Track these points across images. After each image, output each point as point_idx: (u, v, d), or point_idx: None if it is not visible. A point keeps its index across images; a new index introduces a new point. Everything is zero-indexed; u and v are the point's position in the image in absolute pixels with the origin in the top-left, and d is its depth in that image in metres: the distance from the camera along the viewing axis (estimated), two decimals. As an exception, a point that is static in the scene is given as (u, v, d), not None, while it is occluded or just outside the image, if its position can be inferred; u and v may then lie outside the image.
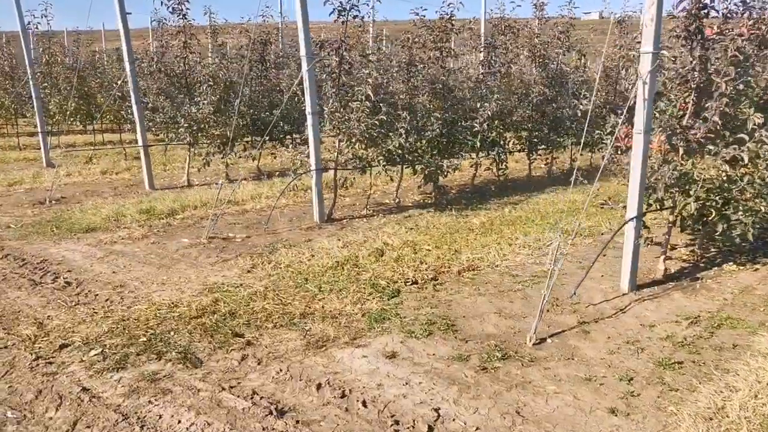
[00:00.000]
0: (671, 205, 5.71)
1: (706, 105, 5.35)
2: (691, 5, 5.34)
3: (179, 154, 13.72)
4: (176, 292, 5.28)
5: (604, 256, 6.40)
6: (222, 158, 11.04)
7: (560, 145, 10.45)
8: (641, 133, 4.98)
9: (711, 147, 5.30)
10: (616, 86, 11.19)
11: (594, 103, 10.31)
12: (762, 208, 5.46)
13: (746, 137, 5.27)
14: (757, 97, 5.38)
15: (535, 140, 10.51)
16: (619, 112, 5.87)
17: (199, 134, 10.49)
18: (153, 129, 11.71)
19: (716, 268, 6.07)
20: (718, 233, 5.77)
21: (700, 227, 6.12)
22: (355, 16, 7.50)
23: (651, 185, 5.36)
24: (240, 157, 11.33)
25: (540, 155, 10.82)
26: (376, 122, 7.47)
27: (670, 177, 5.18)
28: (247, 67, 11.31)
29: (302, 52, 7.29)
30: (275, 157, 12.31)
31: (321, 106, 7.70)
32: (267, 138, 11.34)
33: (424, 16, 8.53)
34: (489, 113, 8.73)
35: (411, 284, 5.46)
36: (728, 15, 5.37)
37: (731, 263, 6.18)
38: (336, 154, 7.93)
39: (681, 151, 5.56)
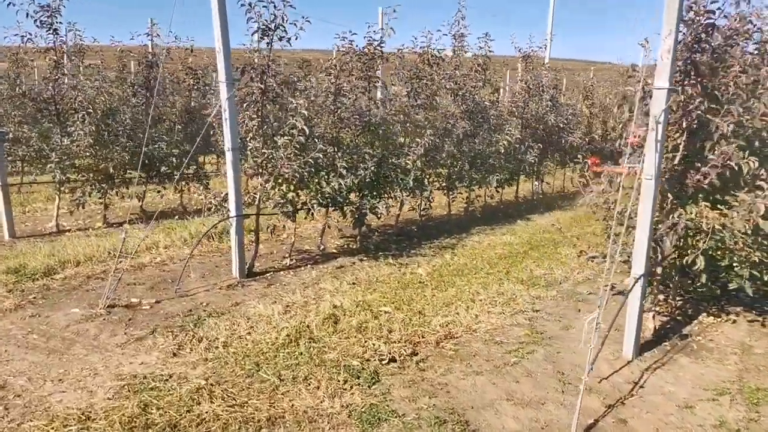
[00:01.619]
0: (674, 257, 5.16)
1: (702, 146, 4.90)
2: (687, 38, 4.89)
3: (41, 192, 11.64)
4: (83, 393, 3.88)
5: (579, 311, 5.78)
6: (100, 198, 9.39)
7: (483, 181, 9.90)
8: (652, 178, 4.37)
9: (717, 195, 4.83)
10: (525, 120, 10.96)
11: (514, 137, 9.95)
12: (756, 258, 5.06)
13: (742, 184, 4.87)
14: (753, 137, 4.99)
15: (454, 177, 9.89)
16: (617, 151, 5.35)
17: (72, 170, 8.80)
18: (13, 164, 9.75)
19: (695, 321, 5.64)
20: (699, 285, 5.33)
21: (676, 278, 5.66)
22: (281, 38, 6.43)
23: (659, 236, 4.76)
24: (123, 197, 9.67)
25: (460, 193, 10.21)
26: (310, 160, 6.41)
27: (682, 228, 4.62)
28: (130, 92, 9.77)
29: (221, 77, 6.10)
30: (162, 196, 10.73)
31: (243, 141, 6.52)
32: (154, 174, 9.84)
33: (353, 42, 7.64)
34: (422, 150, 7.96)
35: (388, 363, 4.45)
36: (719, 51, 4.96)
37: (704, 314, 5.80)
38: (257, 196, 6.74)
39: (670, 196, 5.06)
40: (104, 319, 5.17)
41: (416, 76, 8.80)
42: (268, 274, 6.78)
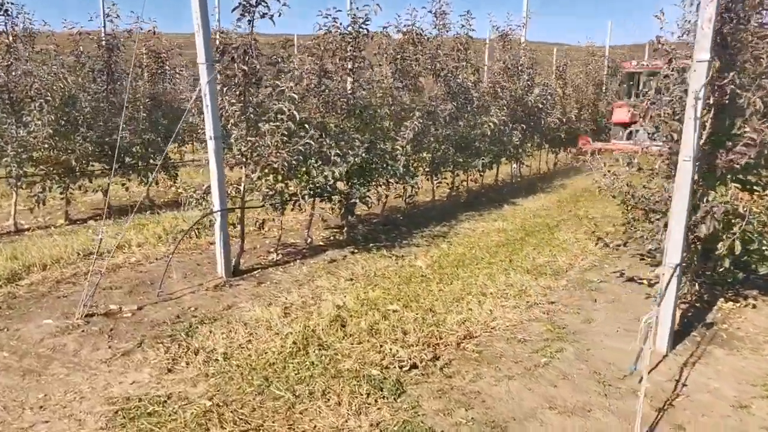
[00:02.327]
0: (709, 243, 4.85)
1: (732, 124, 4.59)
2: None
3: (-7, 188, 10.77)
4: (70, 423, 3.35)
5: (595, 301, 5.47)
6: (61, 193, 8.69)
7: (468, 165, 9.52)
8: (690, 160, 4.03)
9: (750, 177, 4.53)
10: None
11: (500, 119, 9.59)
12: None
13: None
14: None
15: (438, 161, 9.48)
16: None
17: (30, 163, 8.08)
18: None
19: (714, 307, 5.38)
20: (722, 269, 5.07)
21: (696, 263, 5.38)
22: (263, 15, 5.89)
23: (695, 222, 4.43)
24: (86, 190, 8.96)
25: (445, 178, 9.81)
26: (299, 148, 5.90)
27: (721, 212, 4.31)
28: (90, 78, 9.05)
29: (200, 58, 5.53)
30: (127, 189, 10.03)
31: (226, 129, 5.97)
32: (118, 165, 9.15)
33: (337, 19, 7.11)
34: (411, 134, 7.52)
35: (409, 369, 4.04)
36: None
37: (721, 299, 5.55)
38: (241, 188, 6.22)
39: (698, 178, 4.75)
40: (83, 331, 4.60)
41: (401, 57, 8.33)
42: (255, 272, 6.27)
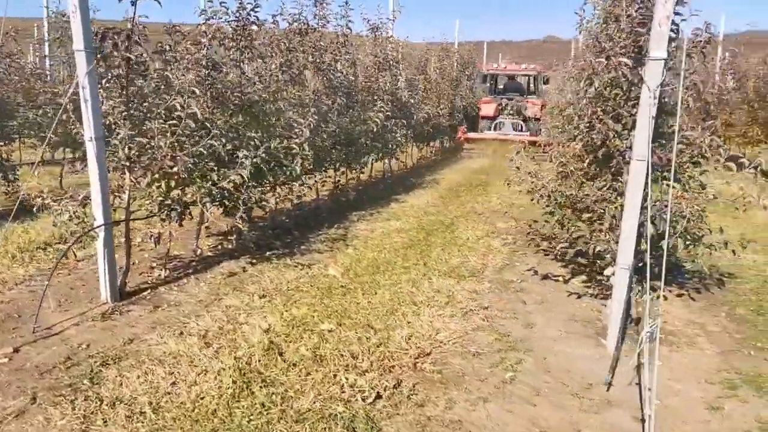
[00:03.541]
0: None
1: (664, 121, 4.64)
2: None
3: None
4: None
5: (525, 303, 5.36)
6: None
7: (357, 162, 9.14)
8: (644, 160, 3.98)
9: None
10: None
11: (386, 114, 9.32)
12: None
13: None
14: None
15: (323, 159, 8.98)
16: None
17: None
18: None
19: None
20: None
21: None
22: (148, -6, 5.05)
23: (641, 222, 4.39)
24: None
25: (329, 176, 9.34)
26: (202, 150, 5.15)
27: (673, 212, 4.31)
28: None
29: (77, 44, 4.59)
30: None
31: (109, 131, 5.06)
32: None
33: (224, 2, 6.33)
34: (308, 132, 6.96)
35: (374, 400, 3.58)
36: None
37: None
38: (125, 196, 5.32)
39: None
40: (-55, 390, 3.59)
41: (287, 48, 7.71)
42: (145, 293, 5.41)
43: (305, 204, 9.35)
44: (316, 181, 8.77)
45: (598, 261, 5.25)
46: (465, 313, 5.02)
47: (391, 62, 11.67)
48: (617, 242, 4.43)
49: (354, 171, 10.14)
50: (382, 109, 9.31)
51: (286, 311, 4.87)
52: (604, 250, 4.51)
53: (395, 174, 13.56)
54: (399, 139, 10.50)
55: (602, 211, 4.63)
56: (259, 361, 3.96)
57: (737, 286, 5.96)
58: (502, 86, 20.71)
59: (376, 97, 10.37)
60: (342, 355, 4.07)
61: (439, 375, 3.94)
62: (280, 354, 4.09)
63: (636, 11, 4.51)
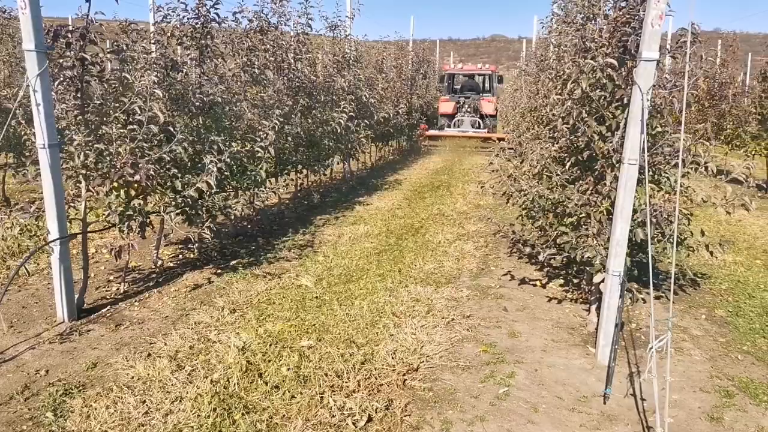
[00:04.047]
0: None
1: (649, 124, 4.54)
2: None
3: None
4: None
5: (506, 310, 5.21)
6: None
7: (320, 165, 8.86)
8: (636, 163, 3.87)
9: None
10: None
11: (349, 115, 9.09)
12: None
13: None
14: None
15: (285, 162, 8.69)
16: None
17: None
18: None
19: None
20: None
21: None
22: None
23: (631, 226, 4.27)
24: None
25: (292, 179, 9.03)
26: (165, 156, 4.81)
27: (666, 215, 4.21)
28: None
29: (27, 43, 4.21)
30: None
31: (62, 136, 4.67)
32: None
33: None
34: (273, 135, 6.67)
35: (365, 423, 3.36)
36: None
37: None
38: (82, 207, 4.93)
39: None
40: None
41: (248, 47, 7.39)
42: (104, 310, 5.03)
43: (267, 208, 9.03)
44: (281, 186, 8.49)
45: (575, 265, 5.15)
46: (447, 323, 4.84)
47: (350, 61, 11.45)
48: (606, 248, 4.32)
49: (317, 173, 9.85)
50: (345, 109, 9.06)
51: (261, 327, 4.59)
52: (593, 257, 4.38)
53: (356, 175, 13.32)
54: (362, 139, 10.26)
55: (586, 215, 4.50)
56: (238, 384, 3.68)
57: (712, 286, 5.97)
58: (459, 85, 21.42)
59: (337, 98, 10.13)
60: (326, 375, 3.83)
61: (430, 393, 3.74)
62: (260, 375, 3.82)
63: (619, 10, 4.39)
